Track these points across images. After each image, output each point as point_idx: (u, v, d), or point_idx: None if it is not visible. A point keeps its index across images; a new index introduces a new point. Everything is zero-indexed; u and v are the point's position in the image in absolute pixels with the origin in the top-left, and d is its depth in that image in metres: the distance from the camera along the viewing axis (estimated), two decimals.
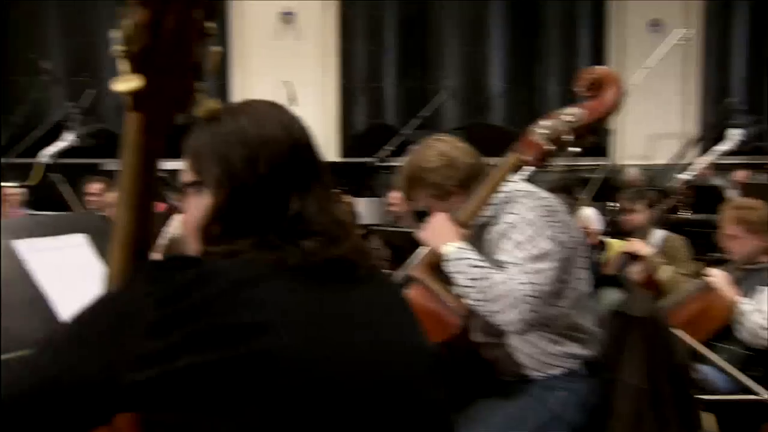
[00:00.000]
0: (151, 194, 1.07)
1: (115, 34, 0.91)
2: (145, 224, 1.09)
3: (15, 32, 7.71)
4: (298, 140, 1.13)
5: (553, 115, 2.15)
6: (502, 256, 2.06)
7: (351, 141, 8.12)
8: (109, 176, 5.53)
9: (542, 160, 2.14)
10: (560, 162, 2.17)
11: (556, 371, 2.14)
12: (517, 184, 2.19)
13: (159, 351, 0.97)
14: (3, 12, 7.64)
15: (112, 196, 4.50)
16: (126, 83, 0.92)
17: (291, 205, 1.09)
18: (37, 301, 1.83)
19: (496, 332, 2.12)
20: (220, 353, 0.98)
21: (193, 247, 1.14)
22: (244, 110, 1.13)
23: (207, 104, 1.04)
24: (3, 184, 5.15)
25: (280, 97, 5.62)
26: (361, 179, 6.19)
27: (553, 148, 2.12)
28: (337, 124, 8.13)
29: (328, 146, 7.68)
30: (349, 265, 1.13)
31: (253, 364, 0.99)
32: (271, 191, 1.09)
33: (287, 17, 7.73)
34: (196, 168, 1.12)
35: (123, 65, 0.92)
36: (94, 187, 5.35)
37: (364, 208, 5.30)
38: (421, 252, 2.28)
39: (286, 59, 7.57)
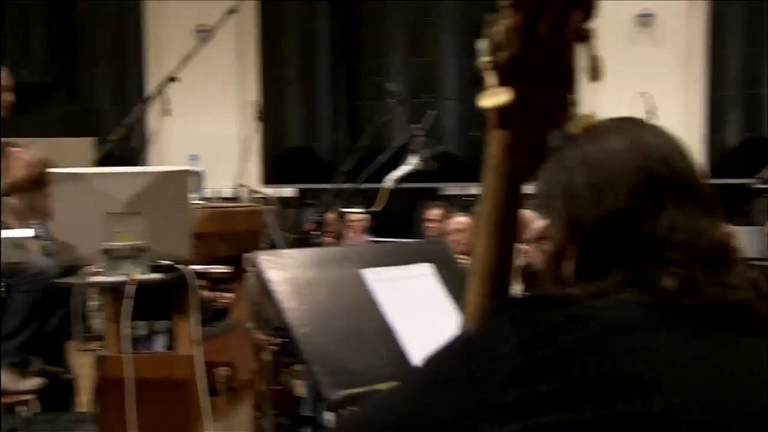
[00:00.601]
0: (514, 222, 1.05)
1: (481, 44, 0.90)
2: (507, 255, 1.07)
3: (363, 57, 8.45)
4: (656, 157, 1.04)
5: None
6: None
7: (722, 159, 7.67)
8: (448, 201, 5.77)
9: None
10: None
11: None
12: None
13: (523, 402, 0.93)
14: (353, 38, 8.42)
15: (454, 223, 4.68)
16: (493, 98, 0.91)
17: (643, 228, 1.00)
18: (385, 334, 1.92)
19: None
20: (595, 410, 0.92)
21: (548, 288, 1.10)
22: (588, 131, 1.07)
23: (583, 119, 1.00)
24: (348, 210, 5.62)
25: (636, 111, 5.50)
26: (736, 204, 5.82)
27: None
28: (704, 139, 7.74)
29: None
30: (744, 307, 1.01)
31: (632, 425, 0.91)
32: (625, 219, 1.01)
33: (645, 19, 7.56)
34: (542, 199, 1.09)
35: (490, 78, 0.91)
36: (434, 212, 5.60)
37: (740, 239, 4.95)
38: None
39: (642, 67, 7.38)
